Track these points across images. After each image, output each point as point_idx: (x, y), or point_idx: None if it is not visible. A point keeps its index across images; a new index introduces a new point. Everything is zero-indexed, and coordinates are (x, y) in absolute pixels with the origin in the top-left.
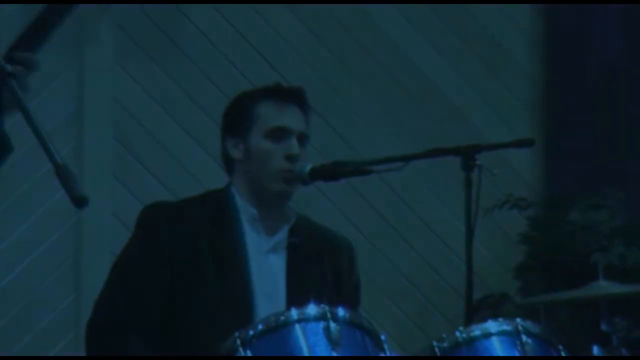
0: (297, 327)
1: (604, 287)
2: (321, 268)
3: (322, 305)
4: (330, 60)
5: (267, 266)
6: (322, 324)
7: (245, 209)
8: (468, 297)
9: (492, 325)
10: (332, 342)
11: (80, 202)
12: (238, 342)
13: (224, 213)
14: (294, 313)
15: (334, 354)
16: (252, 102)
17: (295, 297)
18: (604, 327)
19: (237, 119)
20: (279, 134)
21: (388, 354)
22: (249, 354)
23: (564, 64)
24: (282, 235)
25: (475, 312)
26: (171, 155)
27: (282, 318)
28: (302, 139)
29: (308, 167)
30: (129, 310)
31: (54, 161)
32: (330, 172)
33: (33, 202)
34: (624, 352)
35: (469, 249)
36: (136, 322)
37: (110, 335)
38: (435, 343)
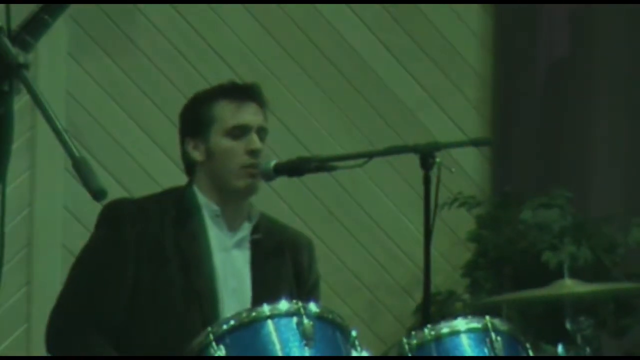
0: (270, 322)
1: (570, 285)
2: (282, 264)
3: (294, 301)
4: (283, 58)
5: (230, 262)
6: (294, 319)
7: (207, 206)
8: (426, 295)
9: (460, 323)
10: (305, 337)
11: (99, 195)
12: (210, 337)
13: (185, 210)
14: (266, 308)
15: (307, 350)
16: (209, 103)
17: (260, 293)
18: (568, 326)
19: (195, 120)
20: (238, 131)
21: (359, 350)
22: (221, 348)
23: (512, 63)
24: (245, 232)
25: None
26: (124, 149)
27: (254, 313)
28: (262, 133)
29: (273, 163)
30: (91, 310)
31: (71, 155)
32: (295, 167)
33: None
34: (588, 351)
35: (427, 246)
36: (98, 321)
37: (72, 335)
38: (404, 340)
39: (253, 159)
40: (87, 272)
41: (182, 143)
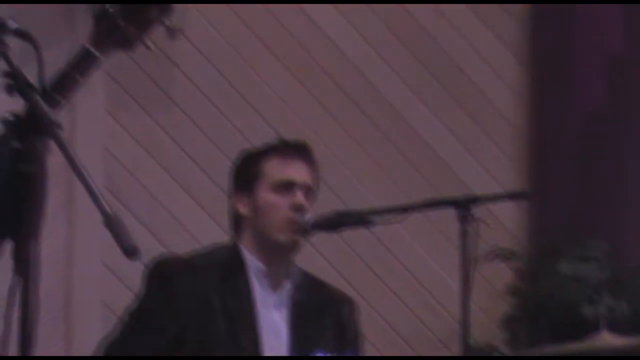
0: None
1: (608, 339)
2: (322, 323)
3: (329, 354)
4: (319, 112)
5: (272, 321)
6: None
7: (253, 264)
8: (464, 348)
9: None
10: None
11: (131, 252)
12: None
13: (232, 267)
14: None
15: None
16: (257, 159)
17: (298, 353)
18: None
19: (243, 177)
20: (284, 187)
21: None
22: None
23: (548, 115)
24: (286, 291)
25: None
26: (161, 205)
27: None
28: (308, 191)
29: (310, 218)
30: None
31: (104, 213)
32: (333, 222)
33: None
34: None
35: (465, 299)
36: None
37: None
38: None
39: (296, 214)
40: (138, 326)
41: (231, 199)
